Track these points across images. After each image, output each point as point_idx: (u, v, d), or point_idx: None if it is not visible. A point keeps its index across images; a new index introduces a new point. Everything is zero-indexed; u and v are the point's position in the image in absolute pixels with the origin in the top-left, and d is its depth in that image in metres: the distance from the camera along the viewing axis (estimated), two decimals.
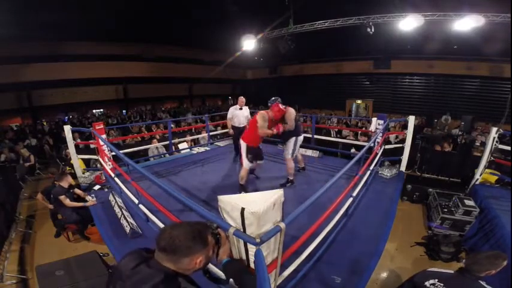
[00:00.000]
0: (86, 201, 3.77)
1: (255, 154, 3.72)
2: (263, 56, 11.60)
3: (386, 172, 4.52)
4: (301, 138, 4.00)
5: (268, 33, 10.27)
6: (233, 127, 5.30)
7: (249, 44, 10.34)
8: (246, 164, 3.67)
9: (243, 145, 3.63)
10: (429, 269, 1.85)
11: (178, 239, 0.91)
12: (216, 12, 10.18)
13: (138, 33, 12.31)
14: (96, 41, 12.63)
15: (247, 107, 5.40)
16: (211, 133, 6.71)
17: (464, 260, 1.85)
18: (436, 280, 1.70)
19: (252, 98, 13.93)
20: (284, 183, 4.02)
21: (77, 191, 4.01)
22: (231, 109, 5.32)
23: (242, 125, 5.20)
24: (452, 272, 1.76)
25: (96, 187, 4.19)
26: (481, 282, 1.61)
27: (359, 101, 14.90)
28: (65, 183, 3.80)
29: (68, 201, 3.70)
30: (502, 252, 1.75)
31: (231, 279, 1.23)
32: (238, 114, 5.24)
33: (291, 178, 4.03)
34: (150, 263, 0.93)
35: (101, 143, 4.27)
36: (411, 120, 4.58)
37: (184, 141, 6.90)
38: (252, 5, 9.23)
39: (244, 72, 19.35)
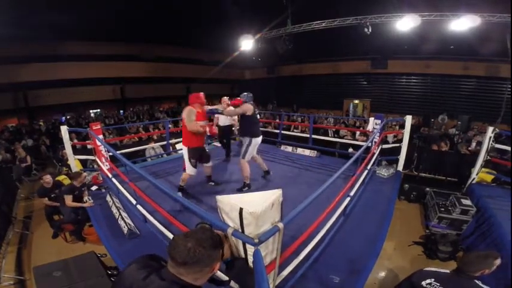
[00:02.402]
0: (84, 201, 3.76)
1: (199, 156, 3.53)
2: (261, 56, 11.57)
3: (384, 172, 4.54)
4: (258, 140, 3.77)
5: (266, 33, 10.26)
6: (218, 126, 5.41)
7: (247, 44, 10.33)
8: (191, 170, 3.47)
9: (184, 150, 3.38)
10: (426, 269, 1.87)
11: (198, 249, 0.88)
12: (215, 12, 10.16)
13: (137, 33, 12.24)
14: (95, 41, 12.55)
15: None
16: None
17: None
18: (433, 280, 1.71)
19: None
20: (240, 187, 3.79)
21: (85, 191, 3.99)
22: None
23: (226, 124, 5.36)
24: (448, 271, 1.78)
25: (94, 187, 4.18)
26: (477, 281, 1.63)
27: (356, 101, 14.95)
28: (77, 183, 3.80)
29: (68, 201, 3.69)
30: (492, 252, 1.76)
31: (232, 281, 1.23)
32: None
33: (247, 182, 3.78)
34: (162, 274, 0.91)
35: (98, 143, 4.25)
36: (408, 119, 4.61)
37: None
38: (250, 5, 9.23)
39: (242, 72, 19.32)
